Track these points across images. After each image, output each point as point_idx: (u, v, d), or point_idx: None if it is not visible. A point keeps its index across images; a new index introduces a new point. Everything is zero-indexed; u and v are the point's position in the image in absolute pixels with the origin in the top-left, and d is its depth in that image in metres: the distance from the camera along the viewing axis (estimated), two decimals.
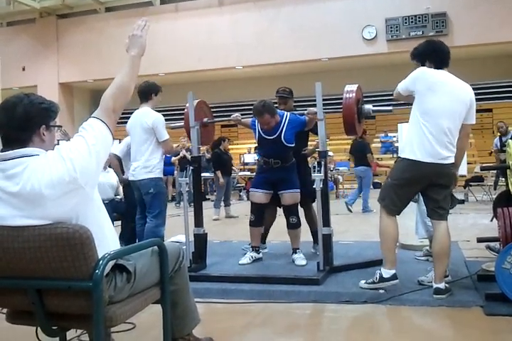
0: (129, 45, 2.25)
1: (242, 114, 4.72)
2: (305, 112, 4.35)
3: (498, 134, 10.19)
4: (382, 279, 3.53)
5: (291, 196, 4.45)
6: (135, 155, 4.56)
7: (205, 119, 4.65)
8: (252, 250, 4.62)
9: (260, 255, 4.66)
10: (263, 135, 4.43)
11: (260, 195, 4.52)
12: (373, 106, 4.28)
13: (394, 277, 3.53)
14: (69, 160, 1.88)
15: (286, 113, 4.46)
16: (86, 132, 1.99)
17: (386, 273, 3.53)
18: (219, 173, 9.08)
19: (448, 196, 3.55)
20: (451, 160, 3.46)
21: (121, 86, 2.15)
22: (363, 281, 3.64)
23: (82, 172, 1.89)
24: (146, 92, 4.57)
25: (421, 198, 4.01)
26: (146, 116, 4.44)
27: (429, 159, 3.39)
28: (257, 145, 4.62)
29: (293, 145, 4.42)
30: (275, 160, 4.43)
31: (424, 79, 3.42)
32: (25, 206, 1.87)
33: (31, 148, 1.94)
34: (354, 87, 4.15)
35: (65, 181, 1.86)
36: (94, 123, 2.02)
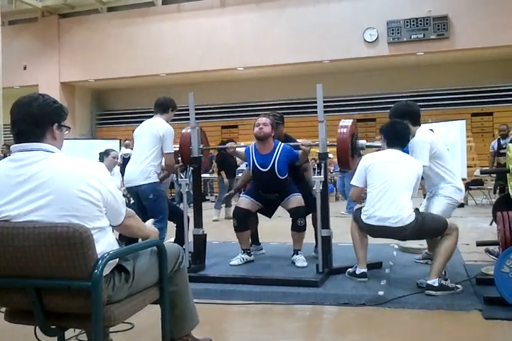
0: None
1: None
2: (299, 141, 4.39)
3: (498, 136, 9.97)
4: (353, 274, 3.90)
5: (295, 200, 4.45)
6: (135, 160, 4.55)
7: (201, 145, 4.60)
8: (244, 252, 4.62)
9: (252, 257, 4.67)
10: (258, 166, 4.41)
11: (248, 202, 4.54)
12: (367, 141, 4.44)
13: (363, 275, 3.85)
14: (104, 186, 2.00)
15: (280, 142, 4.46)
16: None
17: (358, 270, 3.89)
18: (223, 173, 9.15)
19: (432, 220, 3.64)
20: (399, 224, 3.59)
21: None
22: (350, 269, 4.00)
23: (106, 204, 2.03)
24: (165, 106, 4.64)
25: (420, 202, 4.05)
26: (158, 125, 4.50)
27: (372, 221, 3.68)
28: (252, 175, 4.61)
29: (286, 176, 4.42)
30: (273, 194, 4.48)
31: (364, 166, 3.80)
32: (35, 199, 1.89)
33: (46, 144, 1.99)
34: (349, 122, 4.19)
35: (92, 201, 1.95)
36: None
